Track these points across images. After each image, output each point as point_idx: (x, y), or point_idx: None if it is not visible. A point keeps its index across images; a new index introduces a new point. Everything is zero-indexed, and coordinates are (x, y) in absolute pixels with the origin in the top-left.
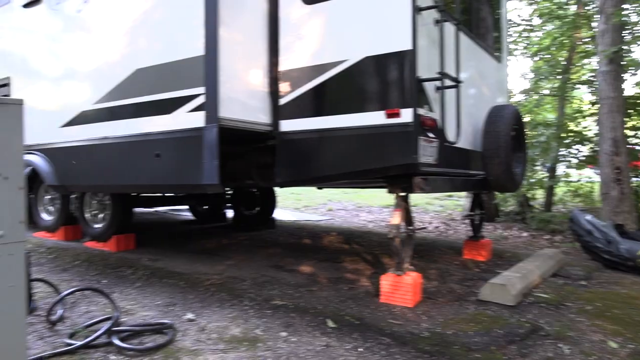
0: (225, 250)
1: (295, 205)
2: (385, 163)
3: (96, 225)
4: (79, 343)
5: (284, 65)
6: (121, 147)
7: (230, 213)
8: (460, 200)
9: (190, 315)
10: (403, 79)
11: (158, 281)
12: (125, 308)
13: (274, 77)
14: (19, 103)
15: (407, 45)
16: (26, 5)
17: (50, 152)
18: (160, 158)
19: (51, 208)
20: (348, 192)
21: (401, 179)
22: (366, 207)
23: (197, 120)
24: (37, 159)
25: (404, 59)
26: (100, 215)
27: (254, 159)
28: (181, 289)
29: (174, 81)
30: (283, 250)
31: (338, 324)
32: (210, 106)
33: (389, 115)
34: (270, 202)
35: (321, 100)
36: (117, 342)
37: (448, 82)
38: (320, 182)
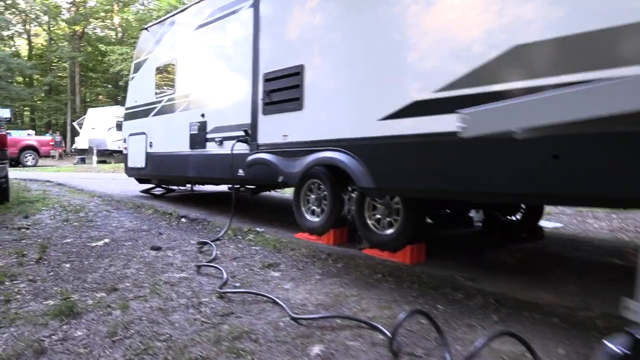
0: (529, 267)
1: None
2: None
3: (383, 232)
4: None
5: None
6: (477, 147)
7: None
8: None
9: None
10: None
11: (515, 314)
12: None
13: None
14: None
15: None
16: None
17: (361, 149)
18: (559, 160)
19: (316, 208)
20: None
21: None
22: (585, 211)
23: None
24: (342, 157)
25: None
26: (385, 221)
27: None
28: (565, 331)
29: (600, 57)
30: (607, 273)
31: None
32: None
33: None
34: (537, 207)
35: None
36: None
37: None
38: None
